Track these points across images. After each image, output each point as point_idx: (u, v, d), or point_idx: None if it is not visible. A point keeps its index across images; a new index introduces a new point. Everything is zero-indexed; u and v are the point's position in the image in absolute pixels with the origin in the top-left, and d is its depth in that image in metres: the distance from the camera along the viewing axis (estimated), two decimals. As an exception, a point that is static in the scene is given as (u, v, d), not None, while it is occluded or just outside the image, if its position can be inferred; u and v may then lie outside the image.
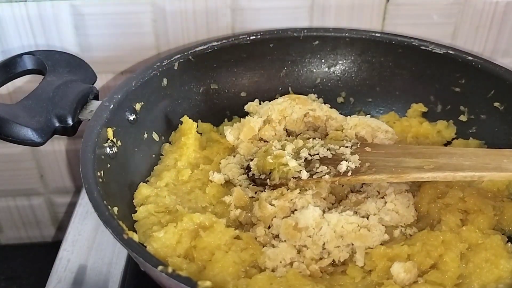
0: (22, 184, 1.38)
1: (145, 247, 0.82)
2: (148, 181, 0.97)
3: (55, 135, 0.95)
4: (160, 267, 0.68)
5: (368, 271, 0.83)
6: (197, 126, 1.07)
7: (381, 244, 0.85)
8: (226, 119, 1.14)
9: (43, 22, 1.13)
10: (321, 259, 0.85)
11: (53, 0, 1.10)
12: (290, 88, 1.19)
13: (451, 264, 0.80)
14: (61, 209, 1.45)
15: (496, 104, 1.04)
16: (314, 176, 0.92)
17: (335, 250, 0.84)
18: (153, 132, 1.04)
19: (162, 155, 1.03)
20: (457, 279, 0.80)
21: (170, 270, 0.68)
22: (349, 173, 0.91)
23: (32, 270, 1.37)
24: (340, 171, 0.91)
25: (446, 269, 0.80)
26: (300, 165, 0.95)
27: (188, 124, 1.03)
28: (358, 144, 0.98)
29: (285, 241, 0.86)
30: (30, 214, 1.45)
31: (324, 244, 0.84)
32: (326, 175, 0.92)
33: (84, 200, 1.17)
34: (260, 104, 1.12)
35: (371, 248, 0.84)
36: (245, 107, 1.12)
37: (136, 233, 0.84)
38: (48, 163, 1.35)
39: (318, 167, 0.94)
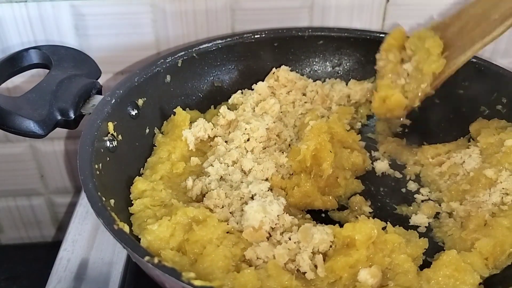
0: (22, 184, 1.39)
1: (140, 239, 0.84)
2: (142, 173, 0.98)
3: (56, 134, 1.00)
4: (146, 258, 0.69)
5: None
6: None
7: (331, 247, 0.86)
8: (213, 106, 1.14)
9: (44, 22, 1.14)
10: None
11: (53, 0, 1.11)
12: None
13: (406, 264, 0.82)
14: (61, 209, 1.45)
15: (499, 107, 1.04)
16: None
17: (301, 259, 0.83)
18: (155, 127, 1.05)
19: (155, 145, 1.03)
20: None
21: (156, 260, 0.69)
22: None
23: (32, 270, 1.39)
24: None
25: (407, 271, 0.82)
26: None
27: (182, 116, 1.04)
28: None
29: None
30: (31, 214, 1.45)
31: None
32: None
33: (84, 200, 1.18)
34: (242, 93, 1.14)
35: (322, 253, 0.84)
36: (229, 100, 1.13)
37: (132, 225, 0.86)
38: (49, 163, 1.36)
39: None
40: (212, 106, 1.13)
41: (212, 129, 1.04)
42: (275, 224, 0.87)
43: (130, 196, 0.92)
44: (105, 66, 1.10)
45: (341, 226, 0.86)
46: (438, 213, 0.96)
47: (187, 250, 0.82)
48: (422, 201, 0.99)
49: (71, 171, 1.36)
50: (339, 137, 1.03)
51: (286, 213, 0.89)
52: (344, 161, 1.03)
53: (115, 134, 0.92)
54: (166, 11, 1.13)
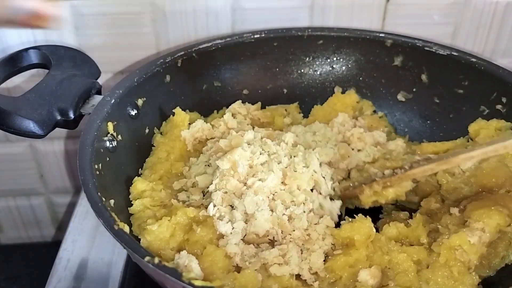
0: (22, 184, 1.39)
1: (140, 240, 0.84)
2: (141, 173, 0.98)
3: (56, 134, 0.99)
4: (147, 258, 0.69)
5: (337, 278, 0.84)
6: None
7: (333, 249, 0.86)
8: (216, 111, 1.14)
9: (44, 22, 1.08)
10: None
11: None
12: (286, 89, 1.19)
13: (405, 263, 0.82)
14: (61, 209, 1.45)
15: (499, 106, 1.03)
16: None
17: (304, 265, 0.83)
18: (155, 127, 1.05)
19: (154, 146, 1.03)
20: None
21: (156, 260, 0.69)
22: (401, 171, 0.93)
23: (32, 270, 1.41)
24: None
25: (407, 270, 0.82)
26: None
27: (181, 116, 1.04)
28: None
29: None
30: (30, 214, 1.45)
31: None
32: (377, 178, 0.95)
33: (84, 200, 1.18)
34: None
35: (328, 256, 0.85)
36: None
37: (132, 226, 0.87)
38: (48, 163, 1.36)
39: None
40: (215, 111, 1.13)
41: (209, 130, 1.04)
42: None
43: (130, 196, 0.92)
44: (105, 66, 1.10)
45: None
46: None
47: (187, 250, 0.82)
48: None
49: (71, 171, 1.36)
50: None
51: None
52: None
53: (114, 134, 0.92)
54: (166, 11, 1.13)
